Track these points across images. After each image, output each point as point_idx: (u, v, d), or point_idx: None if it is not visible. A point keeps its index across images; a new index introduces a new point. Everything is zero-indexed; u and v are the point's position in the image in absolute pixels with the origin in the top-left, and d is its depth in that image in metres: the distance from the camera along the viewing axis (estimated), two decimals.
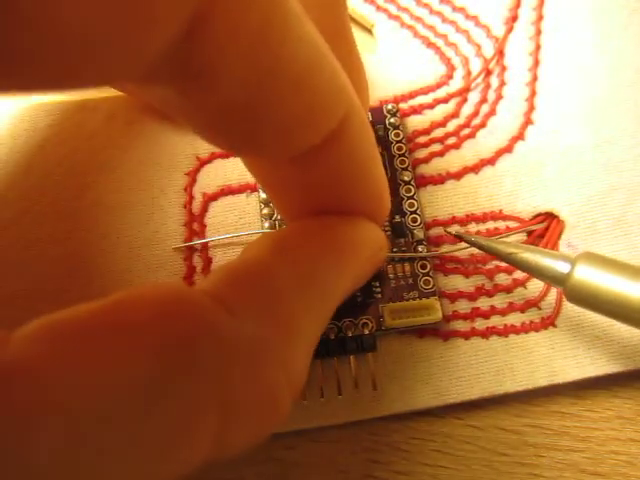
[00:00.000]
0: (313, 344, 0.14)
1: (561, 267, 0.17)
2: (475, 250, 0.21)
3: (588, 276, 0.17)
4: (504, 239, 0.20)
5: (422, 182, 0.22)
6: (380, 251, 0.17)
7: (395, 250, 0.21)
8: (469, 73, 0.23)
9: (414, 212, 0.21)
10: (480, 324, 0.20)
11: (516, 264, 0.18)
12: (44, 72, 0.09)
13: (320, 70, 0.12)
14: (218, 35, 0.10)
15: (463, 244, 0.21)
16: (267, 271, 0.14)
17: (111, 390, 0.10)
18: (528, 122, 0.23)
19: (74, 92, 0.12)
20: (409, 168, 0.22)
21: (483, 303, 0.21)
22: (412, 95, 0.23)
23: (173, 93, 0.11)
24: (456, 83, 0.23)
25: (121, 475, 0.11)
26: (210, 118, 0.12)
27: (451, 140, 0.23)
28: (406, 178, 0.22)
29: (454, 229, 0.21)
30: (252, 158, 0.15)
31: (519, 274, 0.21)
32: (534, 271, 0.18)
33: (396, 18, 0.24)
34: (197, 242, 0.21)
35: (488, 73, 0.23)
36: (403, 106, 0.23)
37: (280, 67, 0.11)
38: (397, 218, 0.21)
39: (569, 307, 0.20)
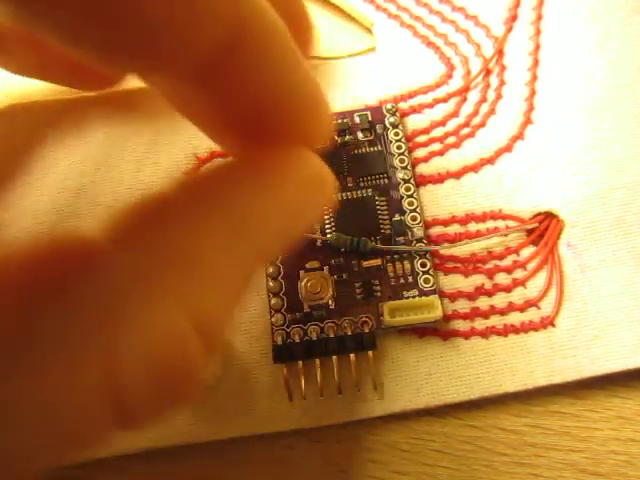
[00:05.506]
0: (235, 287, 0.12)
1: None
2: (475, 249, 0.21)
3: None
4: None
5: (422, 181, 0.22)
6: (323, 186, 0.15)
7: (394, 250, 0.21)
8: (469, 72, 0.23)
9: (414, 210, 0.21)
10: (480, 324, 0.20)
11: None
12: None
13: None
14: None
15: (461, 243, 0.21)
16: (166, 202, 0.12)
17: None
18: (528, 121, 0.23)
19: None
20: (409, 167, 0.22)
21: (483, 303, 0.21)
22: (412, 94, 0.23)
23: None
24: (456, 82, 0.23)
25: None
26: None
27: (451, 139, 0.23)
28: (406, 177, 0.22)
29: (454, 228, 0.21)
30: (154, 77, 0.14)
31: (519, 274, 0.21)
32: None
33: (396, 17, 0.24)
34: None
35: (488, 72, 0.23)
36: (403, 105, 0.23)
37: None
38: (397, 217, 0.21)
39: (569, 307, 0.20)
